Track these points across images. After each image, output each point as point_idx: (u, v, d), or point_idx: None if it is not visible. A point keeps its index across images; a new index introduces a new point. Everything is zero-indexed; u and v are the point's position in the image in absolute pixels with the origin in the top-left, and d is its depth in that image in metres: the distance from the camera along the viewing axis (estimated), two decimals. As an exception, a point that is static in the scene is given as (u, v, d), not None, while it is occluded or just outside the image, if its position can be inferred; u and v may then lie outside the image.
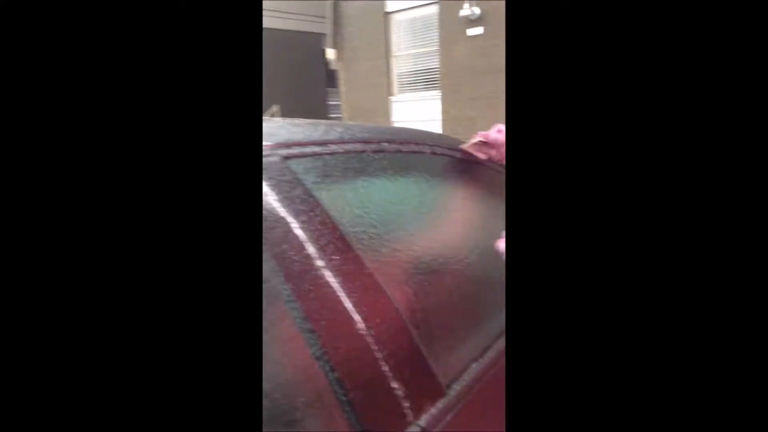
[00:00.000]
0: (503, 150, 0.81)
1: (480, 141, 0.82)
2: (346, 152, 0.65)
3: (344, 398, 0.47)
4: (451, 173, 0.85)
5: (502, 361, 0.70)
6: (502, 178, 0.98)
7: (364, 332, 0.51)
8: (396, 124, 5.89)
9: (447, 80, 5.40)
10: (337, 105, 6.98)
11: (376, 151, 0.70)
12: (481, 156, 0.83)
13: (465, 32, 5.05)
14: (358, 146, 0.67)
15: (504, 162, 0.84)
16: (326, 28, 6.26)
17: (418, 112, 5.83)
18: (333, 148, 0.63)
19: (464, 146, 0.84)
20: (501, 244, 0.63)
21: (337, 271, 0.52)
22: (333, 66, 6.48)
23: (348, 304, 0.52)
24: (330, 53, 6.32)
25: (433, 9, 5.34)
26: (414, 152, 0.77)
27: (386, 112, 6.06)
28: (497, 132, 0.81)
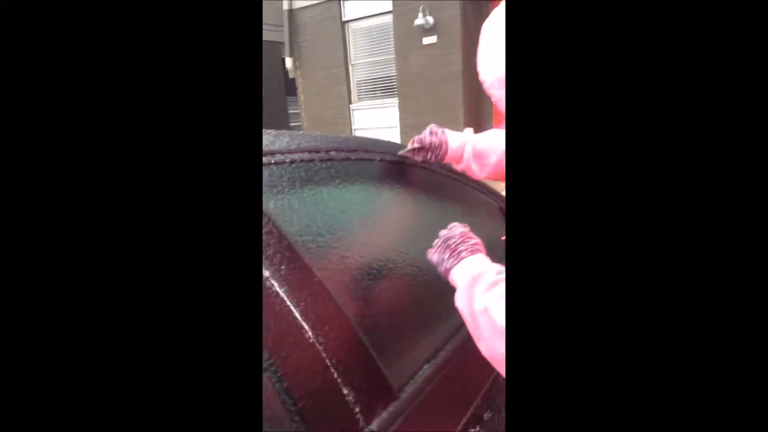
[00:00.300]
0: (438, 152, 0.84)
1: (416, 147, 0.83)
2: (293, 162, 0.65)
3: (293, 408, 0.47)
4: (400, 180, 0.86)
5: (454, 360, 0.72)
6: (450, 182, 1.01)
7: (312, 341, 0.52)
8: (357, 132, 5.92)
9: (404, 88, 5.48)
10: (297, 113, 6.93)
11: (324, 160, 0.71)
12: (419, 159, 0.85)
13: (420, 41, 5.16)
14: (306, 155, 0.68)
15: (439, 162, 0.88)
16: (283, 36, 6.22)
17: (378, 119, 5.87)
18: (279, 157, 0.63)
19: (401, 152, 0.85)
20: (433, 255, 0.65)
21: (284, 281, 0.52)
22: (291, 74, 6.43)
23: (296, 314, 0.52)
24: (288, 62, 6.27)
25: (389, 18, 5.42)
26: (362, 160, 0.79)
27: (346, 120, 6.07)
28: (430, 134, 0.84)
